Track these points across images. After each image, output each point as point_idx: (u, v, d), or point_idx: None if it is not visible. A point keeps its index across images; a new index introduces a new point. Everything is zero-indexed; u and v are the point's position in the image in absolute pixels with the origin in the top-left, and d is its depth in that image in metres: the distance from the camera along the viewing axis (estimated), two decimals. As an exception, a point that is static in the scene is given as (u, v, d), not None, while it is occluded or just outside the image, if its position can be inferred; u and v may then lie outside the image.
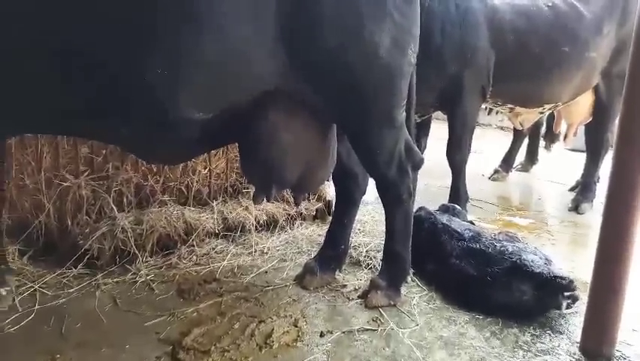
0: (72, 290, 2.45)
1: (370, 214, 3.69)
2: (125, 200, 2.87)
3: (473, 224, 3.04)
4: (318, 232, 3.33)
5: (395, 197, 2.38)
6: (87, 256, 2.61)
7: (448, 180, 3.94)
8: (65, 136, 2.61)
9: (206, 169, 3.17)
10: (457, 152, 3.84)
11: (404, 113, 2.28)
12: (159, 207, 2.95)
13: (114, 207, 2.78)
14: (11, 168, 2.54)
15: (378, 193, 2.45)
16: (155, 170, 2.98)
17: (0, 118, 1.86)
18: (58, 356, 1.95)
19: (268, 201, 2.42)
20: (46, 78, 1.74)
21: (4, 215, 2.50)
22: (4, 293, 2.22)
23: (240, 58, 1.83)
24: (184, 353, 1.99)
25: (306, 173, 2.26)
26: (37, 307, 2.27)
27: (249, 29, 1.81)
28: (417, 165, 2.43)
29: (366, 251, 2.99)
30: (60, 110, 1.86)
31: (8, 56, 1.67)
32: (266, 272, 2.78)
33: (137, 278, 2.60)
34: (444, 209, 3.09)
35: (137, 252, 2.70)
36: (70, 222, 2.72)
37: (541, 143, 5.77)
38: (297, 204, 3.05)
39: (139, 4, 1.67)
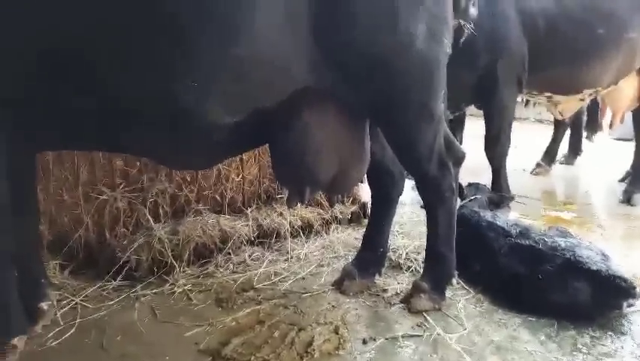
0: (112, 303, 2.44)
1: (408, 215, 3.59)
2: (160, 211, 2.87)
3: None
4: (354, 236, 3.24)
5: (437, 195, 2.27)
6: (126, 268, 2.61)
7: (486, 177, 3.78)
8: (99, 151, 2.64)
9: (239, 176, 3.15)
10: (497, 146, 3.69)
11: (442, 106, 2.18)
12: (194, 216, 2.93)
13: (150, 219, 2.78)
14: (49, 184, 2.58)
15: (419, 192, 2.35)
16: (189, 180, 2.98)
17: (32, 133, 1.87)
18: (100, 369, 1.95)
19: (302, 204, 2.35)
20: (77, 90, 1.72)
21: (44, 230, 2.54)
22: (45, 308, 2.22)
23: (272, 60, 1.79)
24: (224, 364, 1.95)
25: (340, 173, 2.18)
26: (78, 320, 2.28)
27: (281, 31, 1.76)
28: (458, 160, 2.32)
29: (406, 253, 2.88)
30: (92, 124, 1.86)
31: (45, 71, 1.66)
32: (303, 278, 2.72)
33: (174, 288, 2.58)
34: (470, 187, 3.19)
35: (174, 262, 2.69)
36: (108, 235, 2.74)
37: (584, 133, 5.51)
38: (331, 205, 2.98)
39: (171, 10, 1.63)
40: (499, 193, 3.59)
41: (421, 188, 2.33)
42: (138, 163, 2.77)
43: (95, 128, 1.88)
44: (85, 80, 1.70)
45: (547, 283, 2.24)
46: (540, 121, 8.42)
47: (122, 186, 2.75)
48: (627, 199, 4.07)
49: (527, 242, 2.38)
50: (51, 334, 2.16)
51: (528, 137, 6.29)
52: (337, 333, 2.16)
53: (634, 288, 2.17)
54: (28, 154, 2.02)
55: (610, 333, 2.16)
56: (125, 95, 1.74)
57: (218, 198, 3.08)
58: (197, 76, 1.70)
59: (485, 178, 3.77)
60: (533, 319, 2.26)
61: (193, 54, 1.68)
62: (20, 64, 1.63)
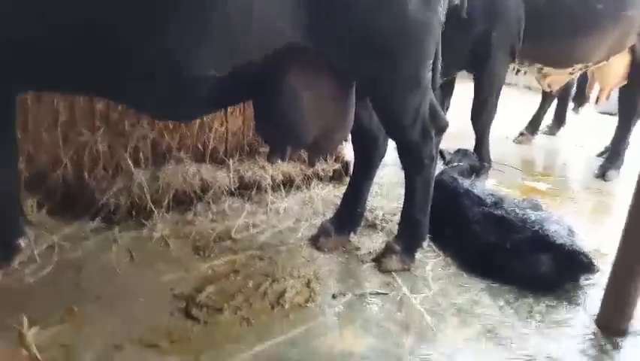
0: (89, 243, 2.48)
1: (388, 177, 3.62)
2: (141, 156, 2.85)
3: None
4: (334, 193, 3.28)
5: (416, 161, 2.30)
6: (104, 210, 2.63)
7: (469, 144, 3.81)
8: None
9: (223, 127, 3.12)
10: (483, 114, 3.71)
11: (430, 74, 2.17)
12: (176, 164, 2.93)
13: (130, 163, 2.77)
14: (28, 122, 2.52)
15: (399, 157, 2.37)
16: (171, 127, 2.94)
17: (13, 74, 1.83)
18: (75, 307, 1.99)
19: (283, 161, 2.36)
20: (65, 37, 1.71)
21: (22, 168, 2.52)
22: (23, 244, 2.25)
23: (260, 14, 1.76)
24: (197, 310, 2.02)
25: (323, 133, 2.18)
26: (55, 259, 2.31)
27: None
28: (441, 129, 2.34)
29: (383, 214, 2.95)
30: (77, 70, 1.84)
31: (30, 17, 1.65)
32: (281, 232, 2.77)
33: (153, 234, 2.61)
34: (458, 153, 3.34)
35: (153, 207, 2.71)
36: (87, 176, 2.72)
37: (570, 105, 5.52)
38: (311, 165, 2.98)
39: None
40: (480, 161, 3.65)
41: (401, 153, 2.36)
42: (119, 107, 2.72)
43: (80, 71, 1.86)
44: (76, 24, 1.68)
45: (513, 253, 2.33)
46: (529, 88, 8.37)
47: (102, 129, 2.71)
48: (602, 174, 4.13)
49: (500, 212, 2.46)
50: (28, 270, 2.20)
51: (515, 103, 6.28)
52: (309, 287, 2.24)
53: (593, 264, 2.28)
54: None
55: (565, 303, 2.28)
56: (114, 43, 1.72)
57: (201, 147, 3.06)
58: (185, 27, 1.69)
59: (468, 145, 3.79)
60: (496, 285, 2.36)
61: (181, 5, 1.67)
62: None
